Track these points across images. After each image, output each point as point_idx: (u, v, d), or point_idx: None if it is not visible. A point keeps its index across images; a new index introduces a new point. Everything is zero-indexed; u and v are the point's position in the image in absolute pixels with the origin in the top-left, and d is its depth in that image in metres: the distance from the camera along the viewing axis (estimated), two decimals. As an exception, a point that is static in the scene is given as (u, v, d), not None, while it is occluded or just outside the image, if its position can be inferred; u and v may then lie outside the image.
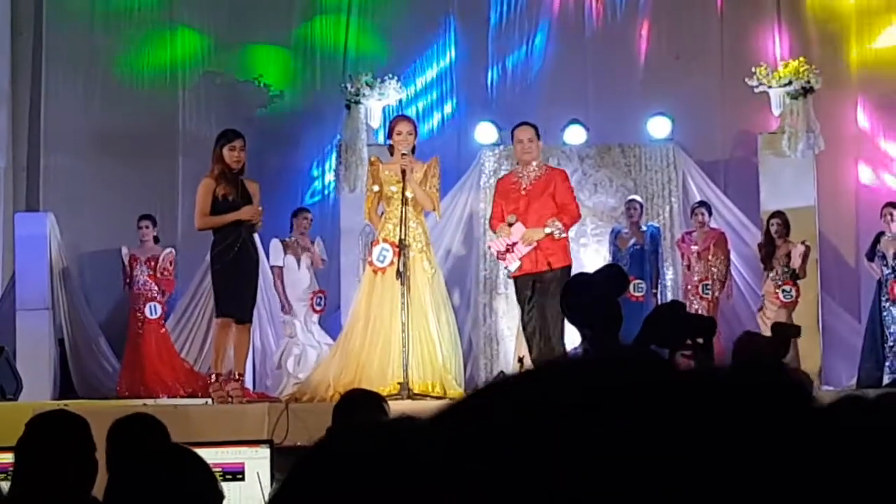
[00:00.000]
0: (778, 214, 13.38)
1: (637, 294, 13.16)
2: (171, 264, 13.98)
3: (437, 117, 15.54)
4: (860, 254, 14.31)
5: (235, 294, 11.00)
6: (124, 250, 13.99)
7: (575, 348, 6.59)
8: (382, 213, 11.22)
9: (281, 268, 13.78)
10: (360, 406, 6.01)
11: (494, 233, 11.21)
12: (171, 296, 14.08)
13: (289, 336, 13.71)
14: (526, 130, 11.33)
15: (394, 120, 11.63)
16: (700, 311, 12.96)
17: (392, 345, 10.81)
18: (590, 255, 13.55)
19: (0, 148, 15.19)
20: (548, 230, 10.81)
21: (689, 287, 13.63)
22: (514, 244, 10.83)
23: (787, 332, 6.70)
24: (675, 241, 13.96)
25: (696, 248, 13.59)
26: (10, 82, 15.48)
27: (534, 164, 11.25)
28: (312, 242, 13.98)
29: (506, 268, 11.14)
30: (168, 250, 14.03)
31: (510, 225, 10.93)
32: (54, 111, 15.62)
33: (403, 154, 11.00)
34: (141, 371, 13.50)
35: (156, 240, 14.10)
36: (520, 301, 11.12)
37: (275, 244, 13.75)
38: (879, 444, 1.00)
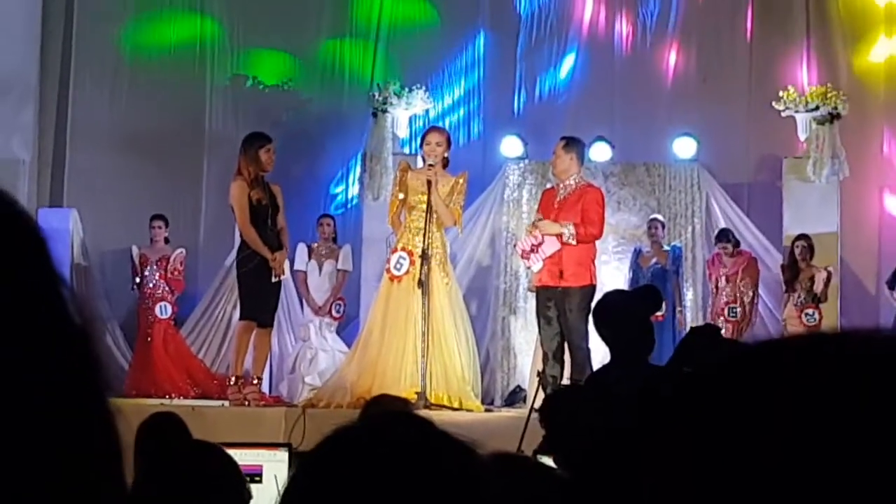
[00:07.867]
0: (803, 237, 13.32)
1: (658, 314, 13.12)
2: (181, 264, 13.93)
3: (463, 130, 15.53)
4: (881, 282, 14.26)
5: (261, 297, 11.04)
6: (135, 250, 13.94)
7: (604, 366, 6.51)
8: (404, 221, 11.24)
9: (305, 272, 13.78)
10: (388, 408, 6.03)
11: None
12: (180, 296, 14.02)
13: (302, 339, 13.68)
14: (557, 144, 11.31)
15: (426, 129, 11.70)
16: (725, 335, 12.87)
17: (406, 353, 10.82)
18: (611, 273, 13.49)
19: (26, 143, 15.19)
20: (562, 229, 10.77)
21: (716, 309, 13.57)
22: (540, 244, 10.78)
23: None
24: (706, 261, 13.86)
25: (724, 270, 13.54)
26: (39, 78, 15.50)
27: (571, 179, 11.16)
28: (339, 248, 13.97)
29: (528, 267, 11.10)
30: (179, 250, 13.96)
31: (535, 224, 10.98)
32: (81, 108, 15.65)
33: (430, 165, 11.01)
34: (151, 371, 13.43)
35: (166, 240, 14.06)
36: (538, 314, 11.07)
37: (301, 248, 13.75)
38: None
